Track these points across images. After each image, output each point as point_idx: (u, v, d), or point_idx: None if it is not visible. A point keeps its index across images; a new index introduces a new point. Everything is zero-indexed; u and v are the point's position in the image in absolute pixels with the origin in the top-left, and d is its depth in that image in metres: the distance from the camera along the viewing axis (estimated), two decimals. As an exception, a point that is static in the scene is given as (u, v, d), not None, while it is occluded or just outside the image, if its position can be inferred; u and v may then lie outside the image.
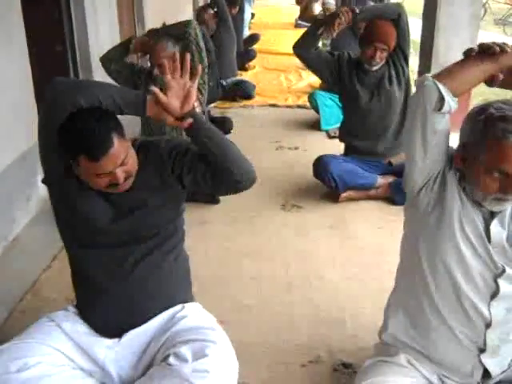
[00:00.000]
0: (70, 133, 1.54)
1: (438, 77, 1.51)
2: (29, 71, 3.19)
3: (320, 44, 3.58)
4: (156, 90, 1.58)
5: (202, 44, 3.29)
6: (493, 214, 1.58)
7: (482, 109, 1.51)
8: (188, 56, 1.62)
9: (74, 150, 1.55)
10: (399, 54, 3.38)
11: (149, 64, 3.68)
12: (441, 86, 1.48)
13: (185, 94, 1.60)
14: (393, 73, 3.40)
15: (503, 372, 1.69)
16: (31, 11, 3.31)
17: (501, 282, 1.59)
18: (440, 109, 1.49)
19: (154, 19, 6.39)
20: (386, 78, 3.41)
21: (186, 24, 3.29)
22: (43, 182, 1.77)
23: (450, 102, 1.49)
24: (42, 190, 3.34)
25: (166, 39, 3.26)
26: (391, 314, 1.79)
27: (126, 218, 1.72)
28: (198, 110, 1.56)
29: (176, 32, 3.29)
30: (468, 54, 1.51)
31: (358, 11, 3.27)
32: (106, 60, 3.38)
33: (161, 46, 3.25)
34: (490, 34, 10.38)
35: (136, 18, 6.09)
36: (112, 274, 1.75)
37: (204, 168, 1.67)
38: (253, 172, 1.73)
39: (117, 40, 5.04)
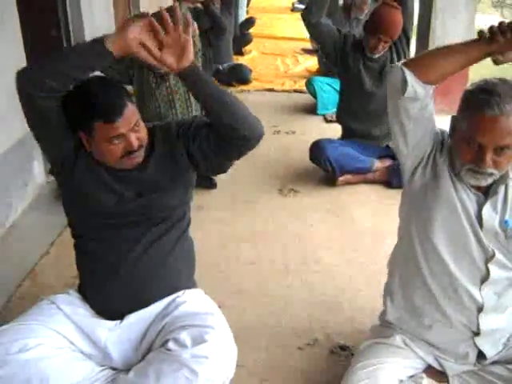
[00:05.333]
0: (81, 102, 1.57)
1: (409, 62, 1.52)
2: (23, 57, 3.17)
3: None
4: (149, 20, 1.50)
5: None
6: (486, 199, 1.58)
7: (476, 83, 1.53)
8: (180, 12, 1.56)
9: (88, 118, 1.58)
10: (402, 38, 3.35)
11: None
12: (406, 70, 1.48)
13: (181, 48, 1.55)
14: (395, 57, 3.38)
15: (498, 353, 1.70)
16: (25, -4, 3.28)
17: (491, 266, 1.60)
18: (404, 91, 1.48)
19: (148, 5, 6.35)
20: (389, 63, 3.38)
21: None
22: (50, 172, 1.78)
23: (415, 86, 1.48)
24: (39, 176, 3.34)
25: None
26: (389, 301, 1.81)
27: (137, 200, 1.74)
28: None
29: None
30: (480, 36, 1.46)
31: None
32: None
33: None
34: (487, 17, 10.32)
35: (130, 3, 6.04)
36: (123, 256, 1.75)
37: (206, 131, 1.68)
38: (259, 126, 1.66)
39: (112, 24, 5.01)
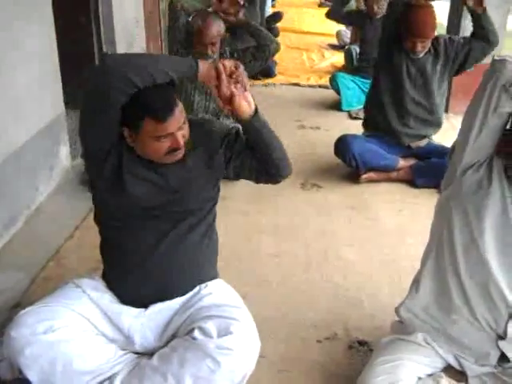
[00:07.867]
0: (137, 99, 1.58)
1: None
2: (54, 42, 3.21)
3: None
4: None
5: None
6: None
7: None
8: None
9: (140, 116, 1.60)
10: (461, 47, 3.30)
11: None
12: None
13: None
14: (438, 68, 3.33)
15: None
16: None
17: None
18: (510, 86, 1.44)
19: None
20: (429, 66, 3.32)
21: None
22: (82, 156, 1.81)
23: None
24: (65, 160, 3.38)
25: (214, 17, 3.28)
26: (415, 289, 1.79)
27: (168, 195, 1.75)
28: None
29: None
30: None
31: None
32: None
33: (217, 26, 3.29)
34: (517, 19, 10.16)
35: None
36: (149, 249, 1.77)
37: (250, 158, 1.76)
38: (291, 165, 1.84)
39: (141, 13, 5.04)
